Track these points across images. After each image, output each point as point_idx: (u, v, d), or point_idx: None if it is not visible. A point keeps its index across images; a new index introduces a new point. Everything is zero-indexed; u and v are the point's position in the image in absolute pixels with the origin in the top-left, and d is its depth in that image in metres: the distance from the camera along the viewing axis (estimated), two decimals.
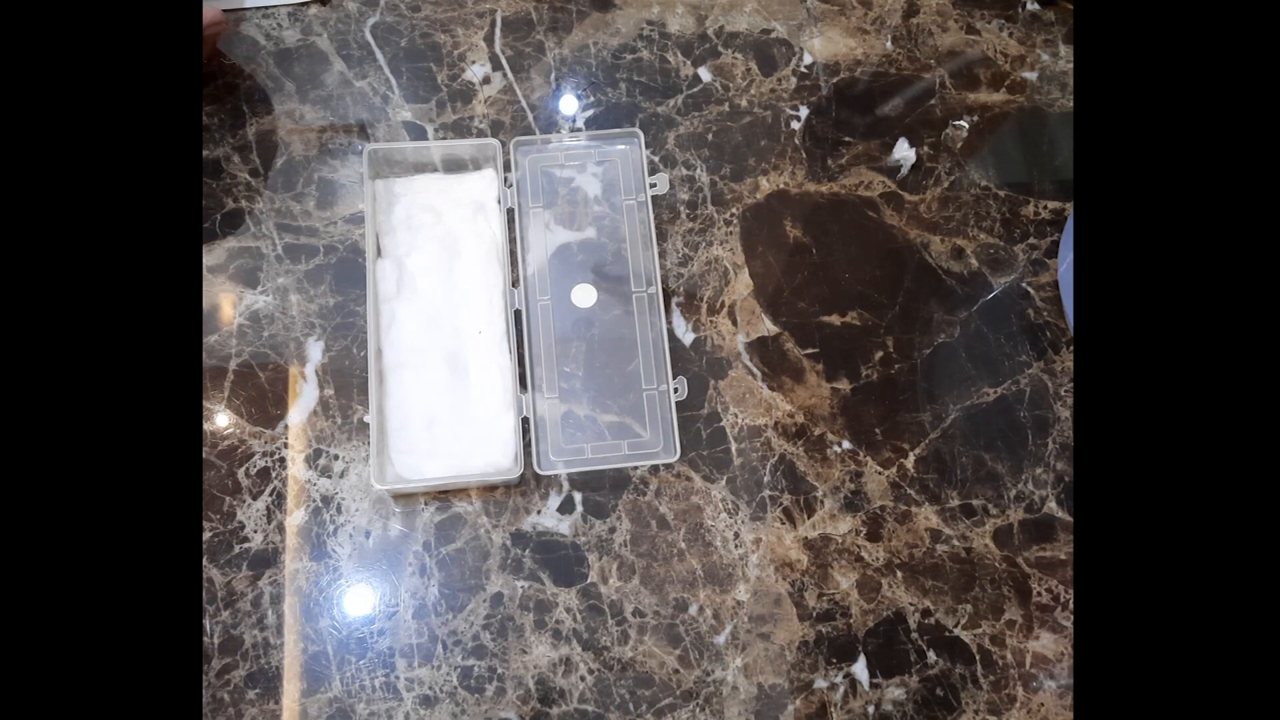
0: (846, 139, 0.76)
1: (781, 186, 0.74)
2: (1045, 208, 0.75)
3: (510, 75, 0.75)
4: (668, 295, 0.70)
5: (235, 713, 0.59)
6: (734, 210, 0.73)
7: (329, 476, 0.64)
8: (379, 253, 0.67)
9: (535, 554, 0.63)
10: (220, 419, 0.64)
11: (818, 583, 0.64)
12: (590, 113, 0.75)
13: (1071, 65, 0.79)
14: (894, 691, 0.62)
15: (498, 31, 0.76)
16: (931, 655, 0.63)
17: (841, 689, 0.62)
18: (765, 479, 0.66)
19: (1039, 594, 0.65)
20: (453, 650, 0.61)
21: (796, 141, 0.75)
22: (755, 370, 0.69)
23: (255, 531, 0.62)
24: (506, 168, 0.69)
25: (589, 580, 0.63)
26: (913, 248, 0.73)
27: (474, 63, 0.75)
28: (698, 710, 0.61)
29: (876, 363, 0.70)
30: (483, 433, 0.63)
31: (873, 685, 0.62)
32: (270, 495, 0.63)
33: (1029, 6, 0.81)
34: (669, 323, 0.69)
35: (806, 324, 0.70)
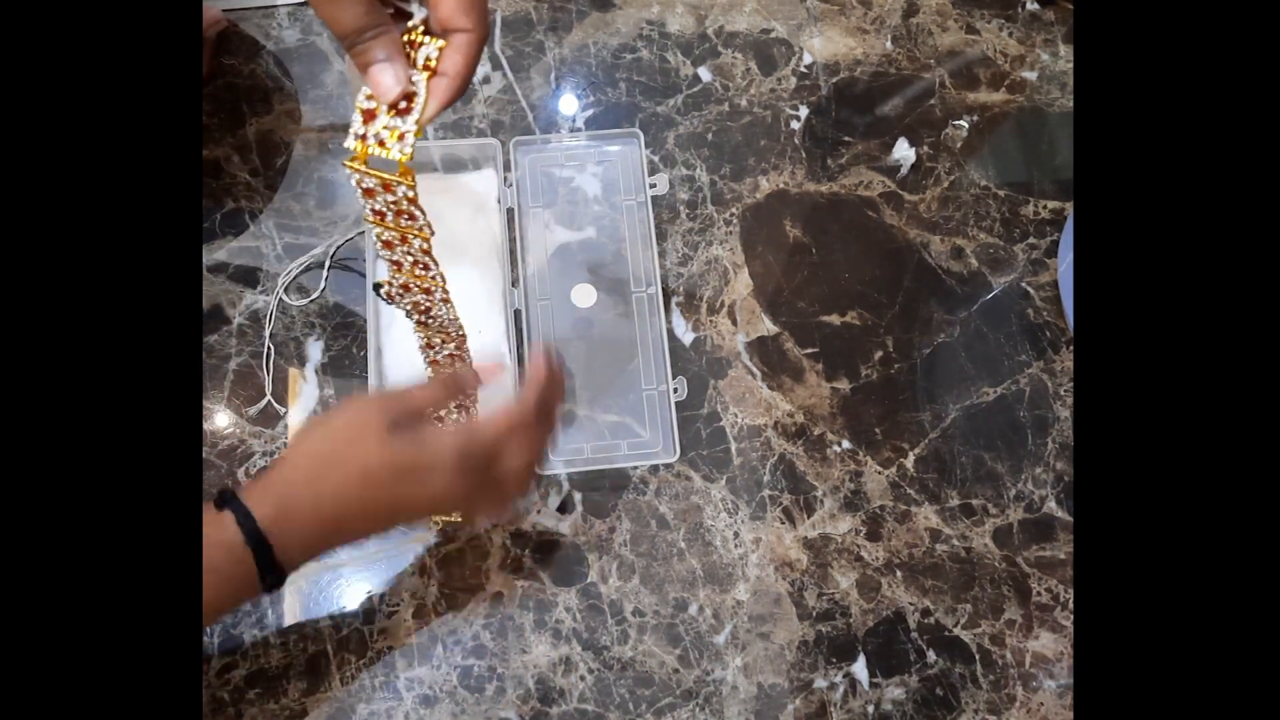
0: (846, 139, 0.76)
1: (781, 186, 0.74)
2: (1045, 208, 0.75)
3: (510, 75, 0.75)
4: (668, 295, 0.70)
5: (235, 713, 0.58)
6: (734, 210, 0.73)
7: None
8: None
9: (535, 553, 0.63)
10: (220, 419, 0.64)
11: (817, 582, 0.64)
12: (590, 113, 0.75)
13: (1071, 65, 0.79)
14: (894, 691, 0.62)
15: (498, 31, 0.76)
16: (931, 655, 0.63)
17: (841, 688, 0.62)
18: (765, 479, 0.66)
19: (1039, 594, 0.65)
20: (453, 650, 0.61)
21: (796, 141, 0.75)
22: (755, 370, 0.69)
23: None
24: (506, 167, 0.69)
25: (589, 580, 0.63)
26: (912, 247, 0.73)
27: None
28: (697, 710, 0.61)
29: (876, 362, 0.70)
30: None
31: (872, 685, 0.62)
32: None
33: (1029, 6, 0.81)
34: (669, 323, 0.69)
35: (806, 324, 0.70)
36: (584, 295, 0.68)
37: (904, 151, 0.75)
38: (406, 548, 0.63)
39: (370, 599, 0.61)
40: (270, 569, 0.42)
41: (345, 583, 0.62)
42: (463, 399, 0.51)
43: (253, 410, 0.65)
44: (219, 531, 0.41)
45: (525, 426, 0.47)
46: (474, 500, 0.47)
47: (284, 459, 0.44)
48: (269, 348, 0.66)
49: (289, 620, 0.60)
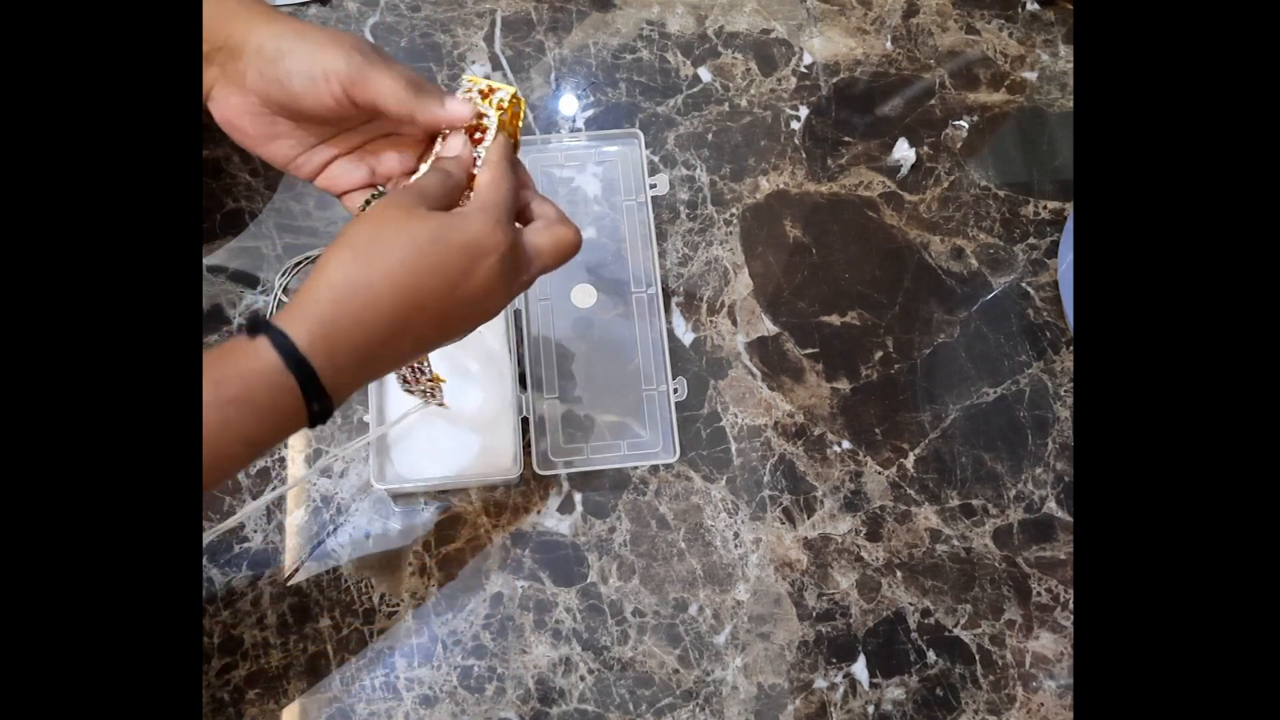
0: (846, 139, 0.76)
1: (781, 186, 0.74)
2: (1045, 208, 0.75)
3: (510, 75, 0.75)
4: (668, 295, 0.70)
5: (235, 713, 0.59)
6: (734, 210, 0.73)
7: (329, 476, 0.64)
8: None
9: (535, 554, 0.63)
10: None
11: (818, 583, 0.64)
12: (590, 113, 0.75)
13: (1071, 65, 0.79)
14: (894, 691, 0.62)
15: (498, 31, 0.76)
16: (931, 655, 0.63)
17: (841, 689, 0.62)
18: (765, 479, 0.66)
19: (1039, 594, 0.65)
20: (453, 650, 0.61)
21: (796, 141, 0.75)
22: (755, 370, 0.69)
23: (255, 531, 0.62)
24: None
25: (589, 580, 0.63)
26: (913, 248, 0.73)
27: (474, 63, 0.75)
28: (698, 710, 0.61)
29: (876, 363, 0.70)
30: (483, 433, 0.63)
31: (872, 685, 0.62)
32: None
33: (1029, 6, 0.81)
34: (669, 323, 0.69)
35: (806, 324, 0.70)
36: (584, 295, 0.68)
37: (904, 151, 0.75)
38: (407, 548, 0.63)
39: (370, 599, 0.61)
40: (317, 396, 0.38)
41: (345, 583, 0.62)
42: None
43: None
44: (253, 360, 0.37)
45: (514, 182, 0.45)
46: (518, 272, 0.44)
47: (319, 268, 0.39)
48: None
49: (289, 620, 0.60)
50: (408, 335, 0.41)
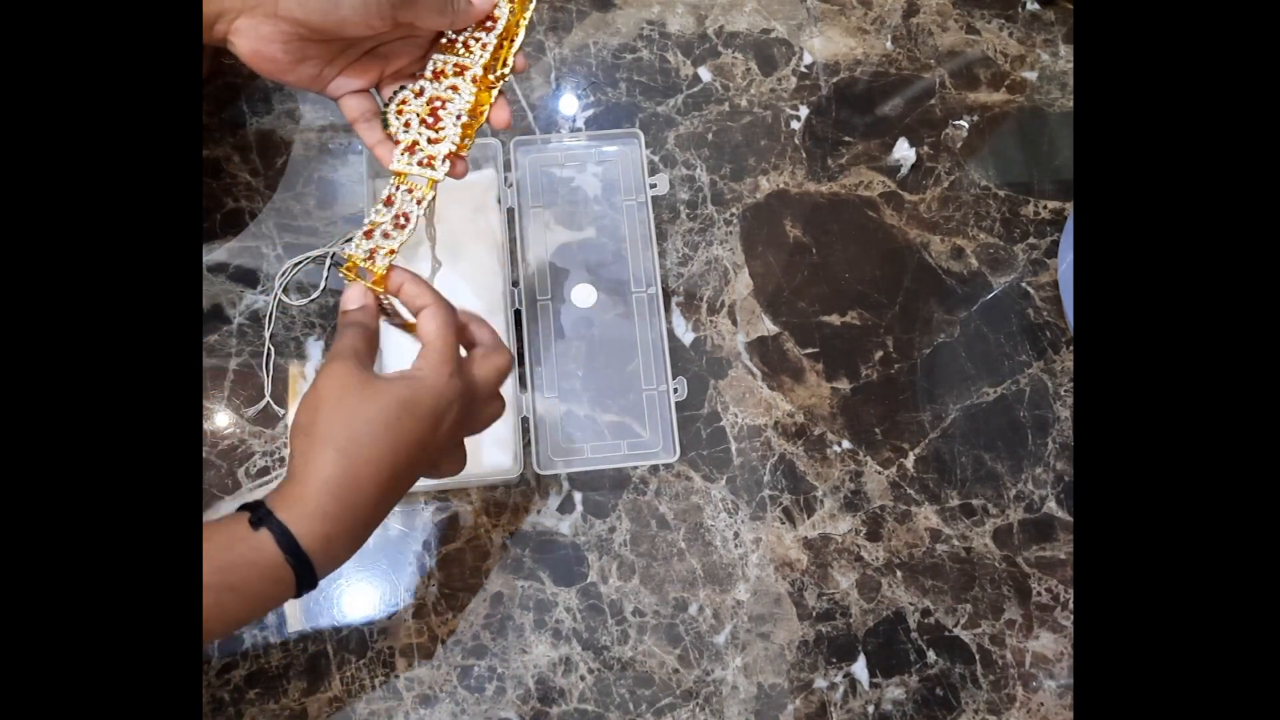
0: (846, 139, 0.76)
1: (781, 186, 0.74)
2: (1045, 208, 0.75)
3: (511, 75, 0.75)
4: (668, 295, 0.70)
5: (235, 713, 0.59)
6: (734, 210, 0.73)
7: None
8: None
9: (535, 554, 0.63)
10: (220, 419, 0.64)
11: (817, 582, 0.64)
12: (590, 112, 0.75)
13: (1071, 65, 0.79)
14: (894, 691, 0.62)
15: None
16: (931, 655, 0.63)
17: (841, 689, 0.62)
18: (765, 479, 0.66)
19: (1039, 594, 0.65)
20: (453, 650, 0.61)
21: (796, 141, 0.75)
22: (755, 370, 0.69)
23: None
24: (506, 167, 0.69)
25: (589, 580, 0.63)
26: (913, 248, 0.73)
27: None
28: (697, 710, 0.61)
29: (876, 362, 0.70)
30: (483, 432, 0.63)
31: (872, 685, 0.62)
32: None
33: (1029, 6, 0.81)
34: (669, 323, 0.69)
35: (806, 324, 0.70)
36: (584, 295, 0.68)
37: (904, 151, 0.75)
38: (407, 548, 0.63)
39: (370, 599, 0.61)
40: (310, 584, 0.41)
41: (345, 583, 0.62)
42: (383, 305, 0.49)
43: (252, 411, 0.65)
44: (255, 552, 0.39)
45: (456, 321, 0.47)
46: (474, 409, 0.48)
47: (309, 463, 0.41)
48: (269, 348, 0.66)
49: (289, 620, 0.60)
50: (391, 500, 0.44)
